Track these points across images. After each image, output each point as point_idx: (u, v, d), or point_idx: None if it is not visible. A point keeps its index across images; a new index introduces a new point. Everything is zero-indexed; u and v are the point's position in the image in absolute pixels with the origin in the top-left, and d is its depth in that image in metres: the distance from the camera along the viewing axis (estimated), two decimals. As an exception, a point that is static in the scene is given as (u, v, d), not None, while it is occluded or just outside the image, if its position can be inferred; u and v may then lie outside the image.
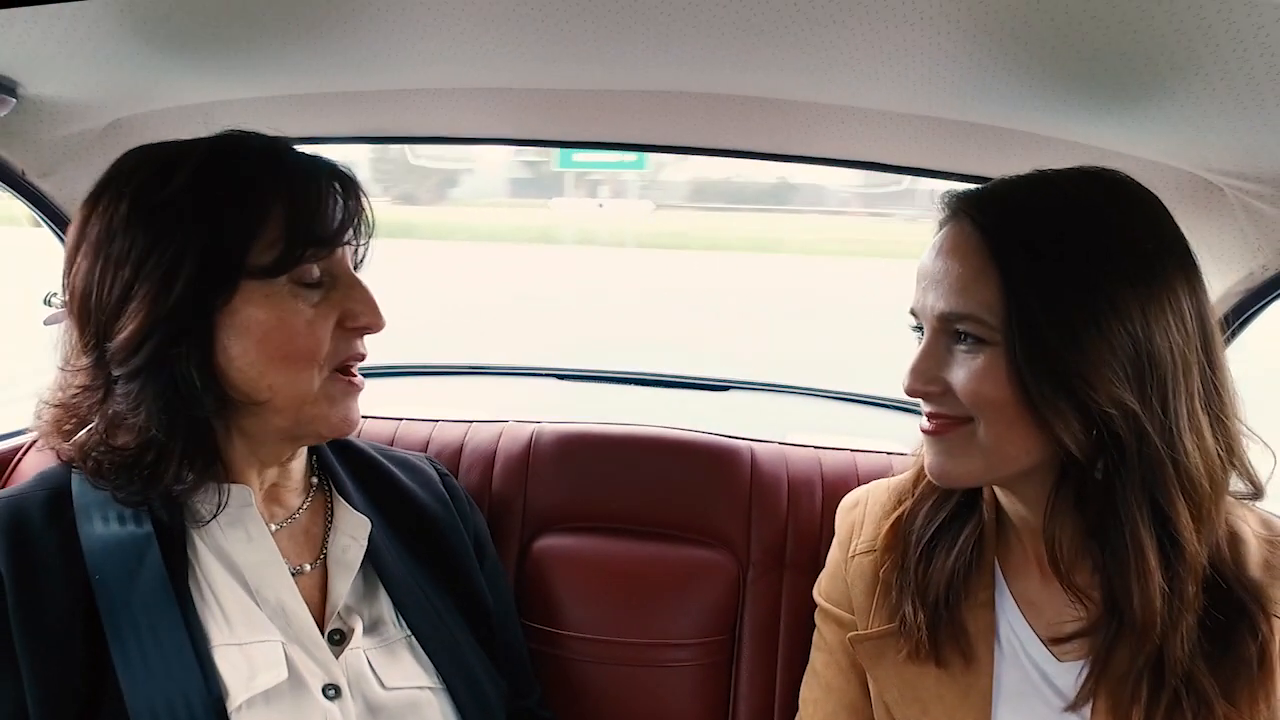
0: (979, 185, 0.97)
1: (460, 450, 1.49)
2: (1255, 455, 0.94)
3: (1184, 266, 0.89)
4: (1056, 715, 0.97)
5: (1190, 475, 0.87)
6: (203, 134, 0.95)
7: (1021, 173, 0.95)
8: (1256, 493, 0.95)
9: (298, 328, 0.91)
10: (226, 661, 0.89)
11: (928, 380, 0.93)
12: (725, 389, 2.06)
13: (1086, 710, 0.95)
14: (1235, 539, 0.94)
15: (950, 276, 0.92)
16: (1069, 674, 0.97)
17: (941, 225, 0.97)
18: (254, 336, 0.90)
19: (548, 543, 1.43)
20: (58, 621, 0.85)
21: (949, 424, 0.94)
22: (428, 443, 1.50)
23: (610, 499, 1.46)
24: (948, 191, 0.97)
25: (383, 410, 1.59)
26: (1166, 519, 0.88)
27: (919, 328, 0.97)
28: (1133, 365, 0.86)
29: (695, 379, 2.11)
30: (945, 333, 0.93)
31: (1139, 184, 0.92)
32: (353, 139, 1.51)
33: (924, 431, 0.97)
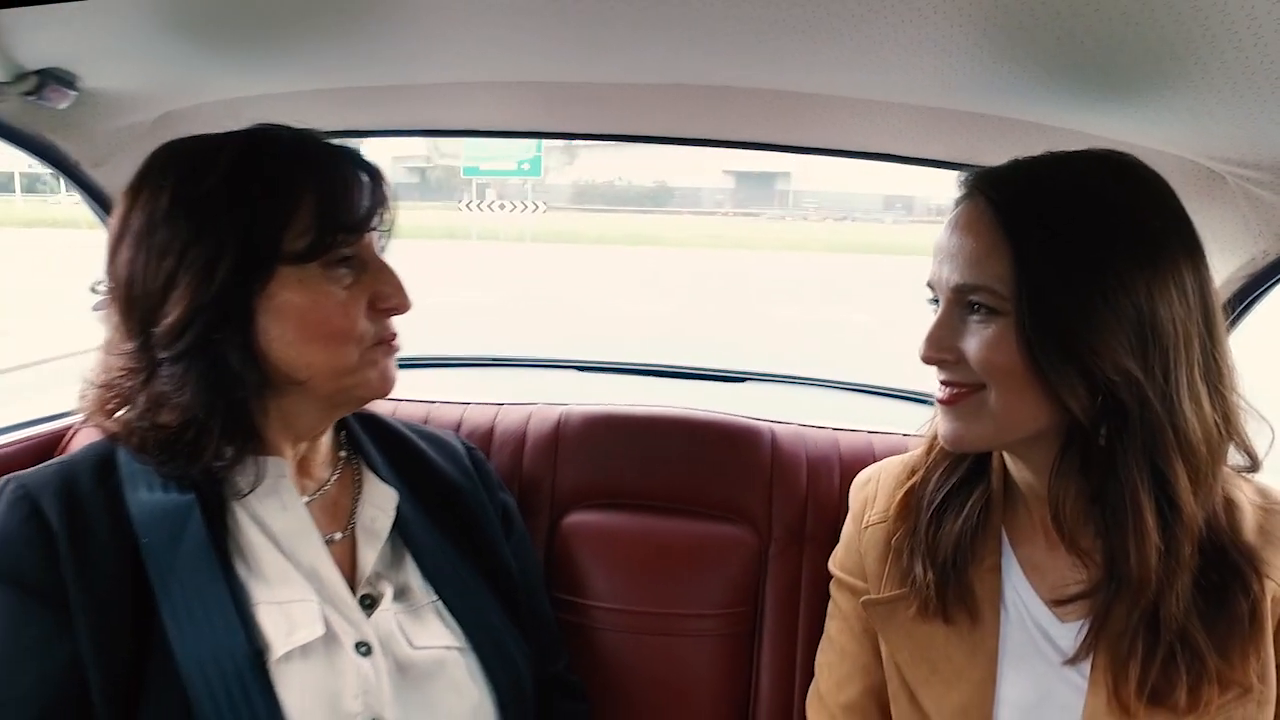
0: (990, 167, 1.01)
1: (491, 432, 1.55)
2: (1254, 432, 0.98)
3: (1187, 244, 0.94)
4: (1056, 671, 1.01)
5: (1189, 441, 0.92)
6: (252, 125, 1.01)
7: None
8: (1253, 465, 0.99)
9: (332, 309, 0.97)
10: (266, 618, 0.94)
11: (942, 349, 0.98)
12: (741, 380, 2.11)
13: (1086, 666, 0.99)
14: (1232, 506, 0.98)
15: (965, 250, 0.97)
16: (1070, 633, 1.01)
17: (958, 203, 1.02)
18: (291, 319, 0.96)
19: (576, 519, 1.49)
20: (108, 579, 0.91)
21: (962, 393, 0.98)
22: (459, 425, 1.56)
23: (636, 477, 1.52)
24: (966, 170, 1.02)
25: (414, 395, 1.65)
26: (1165, 482, 0.92)
27: (935, 300, 1.02)
28: (1137, 335, 0.90)
29: (712, 371, 2.17)
30: (959, 304, 0.98)
31: (1146, 165, 0.97)
32: (387, 132, 1.57)
33: (939, 401, 1.02)
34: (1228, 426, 0.96)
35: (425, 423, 1.52)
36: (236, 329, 0.95)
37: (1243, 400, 0.97)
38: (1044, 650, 1.03)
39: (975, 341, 0.96)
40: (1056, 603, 1.02)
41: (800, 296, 14.42)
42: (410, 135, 1.60)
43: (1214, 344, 0.95)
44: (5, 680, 0.88)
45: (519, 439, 1.54)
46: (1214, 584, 0.95)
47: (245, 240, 0.93)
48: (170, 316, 0.93)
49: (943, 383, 1.01)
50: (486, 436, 1.54)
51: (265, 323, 0.96)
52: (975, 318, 0.96)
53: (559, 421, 1.55)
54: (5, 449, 1.42)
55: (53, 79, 1.13)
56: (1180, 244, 0.93)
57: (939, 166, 1.51)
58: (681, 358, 2.29)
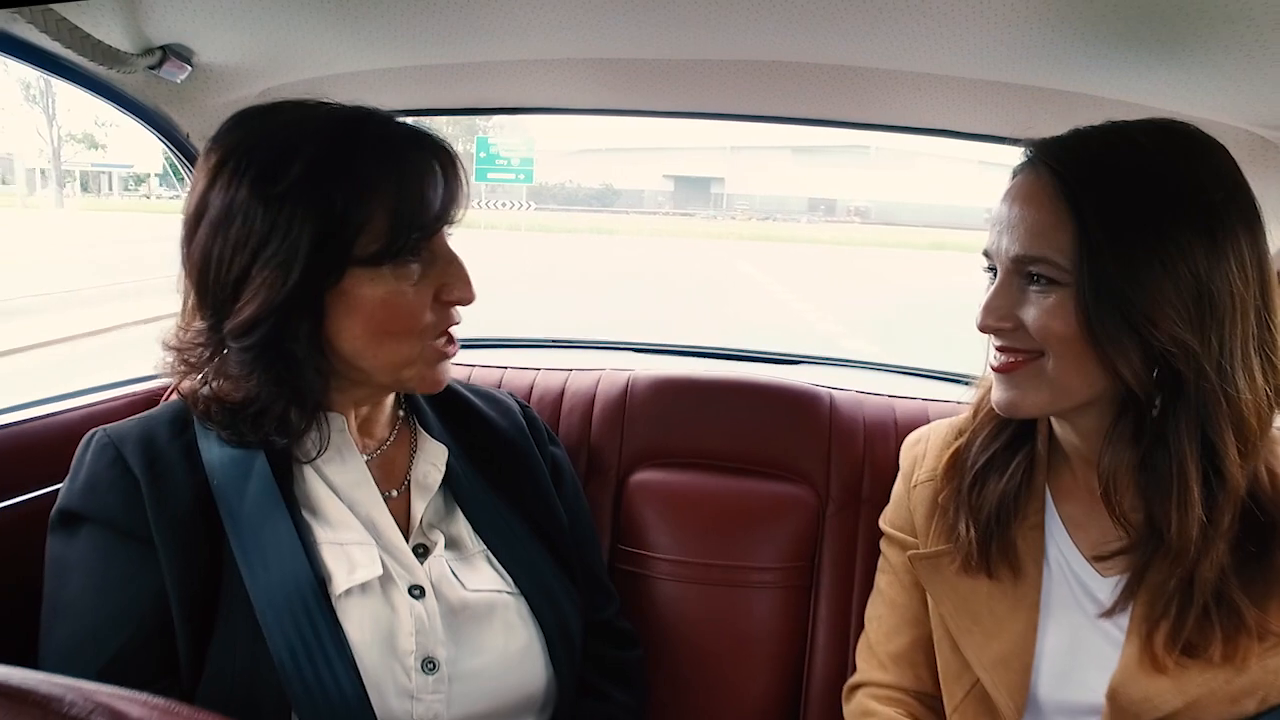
0: (1052, 137, 1.02)
1: (561, 395, 1.62)
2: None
3: (1246, 216, 0.95)
4: (1094, 624, 1.04)
5: (1241, 412, 0.93)
6: (343, 102, 1.04)
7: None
8: None
9: (400, 305, 1.01)
10: (329, 556, 1.01)
11: (1000, 317, 1.00)
12: (796, 363, 2.16)
13: (1123, 620, 1.02)
14: (1271, 463, 1.00)
15: (1026, 221, 0.98)
16: (1109, 587, 1.04)
17: (1016, 172, 1.04)
18: (361, 315, 1.00)
19: (643, 477, 1.56)
20: (185, 517, 0.99)
21: (1020, 361, 1.01)
22: (531, 387, 1.63)
23: (700, 437, 1.58)
24: (1027, 139, 1.04)
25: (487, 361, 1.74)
26: (1215, 452, 0.94)
27: (991, 268, 1.04)
28: (1195, 306, 0.92)
29: (768, 354, 2.23)
30: (1018, 274, 1.00)
31: (1207, 135, 0.98)
32: (467, 110, 1.65)
33: (995, 370, 1.04)
34: (1278, 398, 0.97)
35: (500, 386, 1.60)
36: (306, 321, 0.99)
37: None
38: (1083, 604, 1.06)
39: (1034, 310, 0.98)
40: (1097, 558, 1.05)
41: (724, 272, 19.18)
42: (485, 113, 1.67)
43: (1270, 314, 0.96)
44: (97, 606, 0.96)
45: (588, 402, 1.61)
46: (1254, 544, 0.97)
47: (320, 240, 0.96)
48: (244, 314, 0.97)
49: (999, 349, 1.03)
50: (557, 400, 1.61)
51: (334, 317, 1.00)
52: (1035, 288, 0.98)
53: (627, 385, 1.62)
54: (110, 403, 1.52)
55: (173, 53, 1.23)
56: (1239, 214, 0.94)
57: (995, 141, 1.54)
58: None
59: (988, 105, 1.41)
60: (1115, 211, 0.93)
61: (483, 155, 25.92)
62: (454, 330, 1.08)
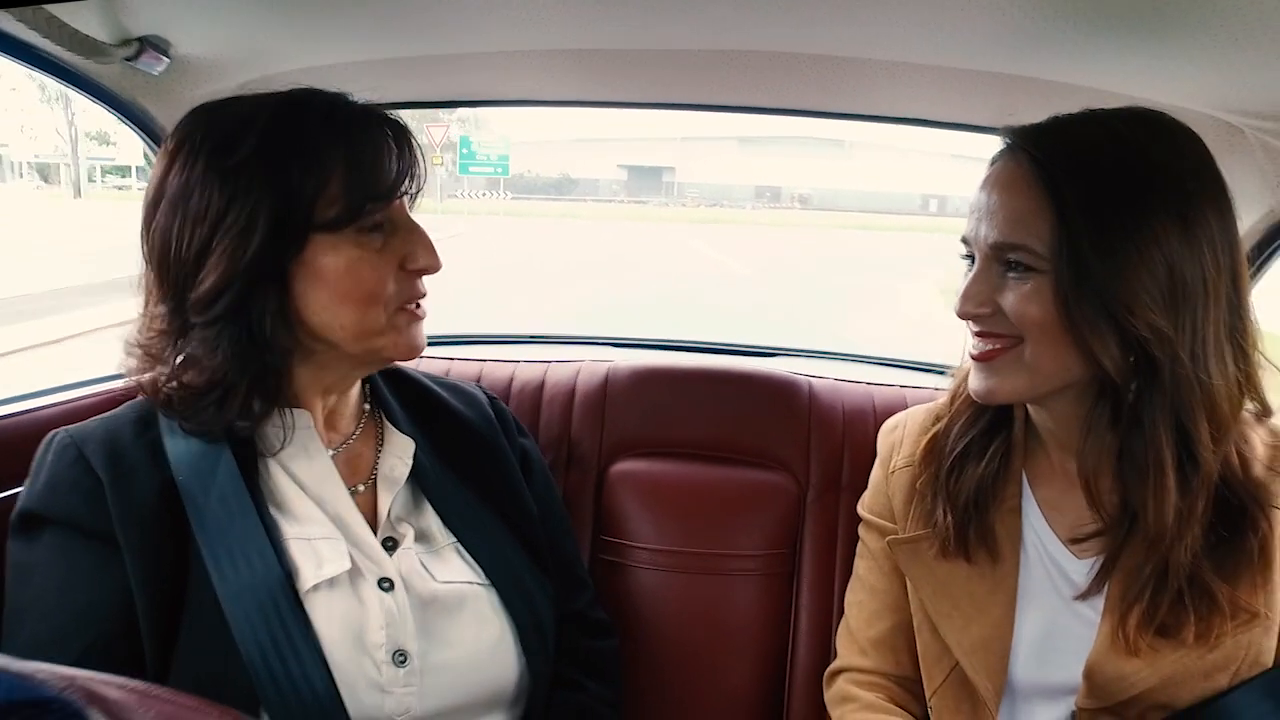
0: (1032, 124, 1.03)
1: (541, 388, 1.62)
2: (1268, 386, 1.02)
3: (1219, 204, 0.96)
4: (1070, 606, 1.06)
5: (1213, 398, 0.95)
6: None
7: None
8: (1265, 413, 1.03)
9: (364, 273, 1.01)
10: (296, 552, 1.01)
11: (979, 303, 1.01)
12: (775, 355, 2.17)
13: (1099, 602, 1.04)
14: (1243, 443, 1.02)
15: (1005, 208, 1.00)
16: (1085, 569, 1.06)
17: (995, 160, 1.05)
18: (326, 282, 1.00)
19: (624, 467, 1.56)
20: (149, 515, 0.98)
21: (998, 349, 1.02)
22: (510, 380, 1.63)
23: (681, 427, 1.59)
24: (1004, 125, 1.05)
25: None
26: (1189, 438, 0.96)
27: (969, 256, 1.06)
28: (1169, 293, 0.93)
29: (744, 347, 2.22)
30: (997, 260, 1.01)
31: (1183, 124, 1.00)
32: (443, 103, 1.65)
33: (973, 358, 1.05)
34: (1248, 383, 0.99)
35: (478, 380, 1.60)
36: (272, 294, 0.99)
37: (1263, 357, 1.01)
38: (1060, 587, 1.08)
39: (1012, 297, 0.99)
40: (1074, 541, 1.07)
41: (680, 251, 21.96)
42: (451, 106, 1.67)
43: (1239, 302, 0.98)
44: (61, 608, 0.95)
45: (568, 394, 1.61)
46: (1225, 528, 0.99)
47: (278, 209, 0.97)
48: (206, 284, 0.97)
49: (978, 335, 1.04)
50: (536, 393, 1.62)
51: (299, 287, 1.00)
52: (1013, 274, 0.99)
53: (606, 376, 1.63)
54: (74, 403, 1.50)
55: (150, 45, 1.22)
56: (1211, 202, 0.96)
57: (971, 130, 1.56)
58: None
59: (962, 94, 1.42)
60: (1094, 199, 0.95)
61: (465, 152, 29.07)
62: (422, 302, 1.09)
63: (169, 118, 1.42)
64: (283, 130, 0.99)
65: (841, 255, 20.72)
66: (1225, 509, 0.99)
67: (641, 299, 12.43)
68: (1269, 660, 0.99)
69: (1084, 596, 1.05)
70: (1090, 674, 1.02)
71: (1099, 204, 0.94)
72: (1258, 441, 1.03)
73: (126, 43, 1.20)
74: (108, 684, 0.48)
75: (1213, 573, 0.98)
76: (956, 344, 1.10)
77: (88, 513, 0.97)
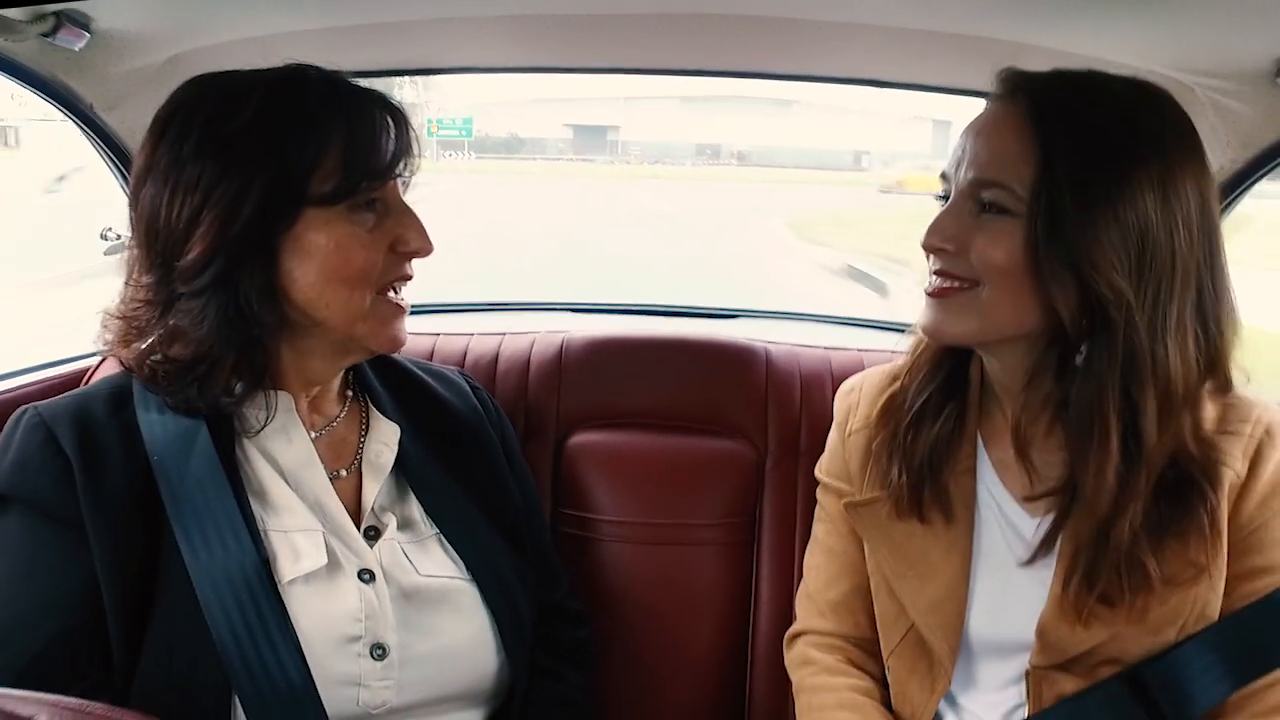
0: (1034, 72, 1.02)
1: (496, 359, 1.60)
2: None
3: (1201, 185, 0.96)
4: (1024, 569, 1.07)
5: (1166, 374, 0.95)
6: (258, 66, 1.02)
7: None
8: (1224, 387, 1.03)
9: (355, 251, 0.99)
10: (273, 544, 0.99)
11: (945, 238, 1.01)
12: (733, 317, 2.17)
13: (1051, 560, 1.05)
14: (1199, 426, 1.01)
15: (991, 148, 0.99)
16: (1038, 529, 1.07)
17: (992, 99, 1.04)
18: (315, 259, 0.98)
19: (581, 439, 1.55)
20: (120, 499, 0.96)
21: (954, 288, 1.01)
22: (465, 353, 1.61)
23: (638, 397, 1.58)
24: (1007, 69, 1.03)
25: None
26: (1135, 408, 0.96)
27: (945, 195, 1.05)
28: (1136, 257, 0.93)
29: (704, 309, 2.23)
30: (972, 198, 1.00)
31: (1175, 99, 1.00)
32: (390, 72, 1.61)
33: (928, 294, 1.04)
34: (1211, 367, 0.99)
35: (432, 354, 1.58)
36: (259, 267, 0.97)
37: (1236, 343, 1.01)
38: (1014, 546, 1.09)
39: (981, 236, 0.98)
40: (1028, 499, 1.08)
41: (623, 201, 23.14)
42: (397, 75, 1.65)
43: (1215, 284, 0.98)
44: (26, 594, 0.93)
45: (523, 365, 1.59)
46: (1171, 502, 0.99)
47: (272, 180, 0.95)
48: (193, 252, 0.95)
49: (936, 273, 1.03)
50: (491, 365, 1.59)
51: (288, 263, 0.98)
52: (986, 214, 0.99)
53: (561, 347, 1.61)
54: (30, 387, 1.47)
55: (68, 19, 1.16)
56: (1195, 182, 0.96)
57: (923, 90, 1.56)
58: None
59: (908, 53, 1.42)
60: (1082, 153, 0.94)
61: (430, 117, 32.10)
62: (405, 289, 1.08)
63: (95, 95, 1.37)
64: (281, 101, 0.98)
65: (762, 204, 21.66)
66: (1174, 485, 0.99)
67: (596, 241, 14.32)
68: (1214, 614, 1.01)
69: (1034, 558, 1.06)
70: (1043, 632, 1.04)
71: (1086, 158, 0.94)
72: (1209, 403, 1.03)
73: (41, 18, 1.14)
74: (39, 703, 0.46)
75: (1149, 549, 0.98)
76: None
77: (55, 496, 0.95)
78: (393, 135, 1.02)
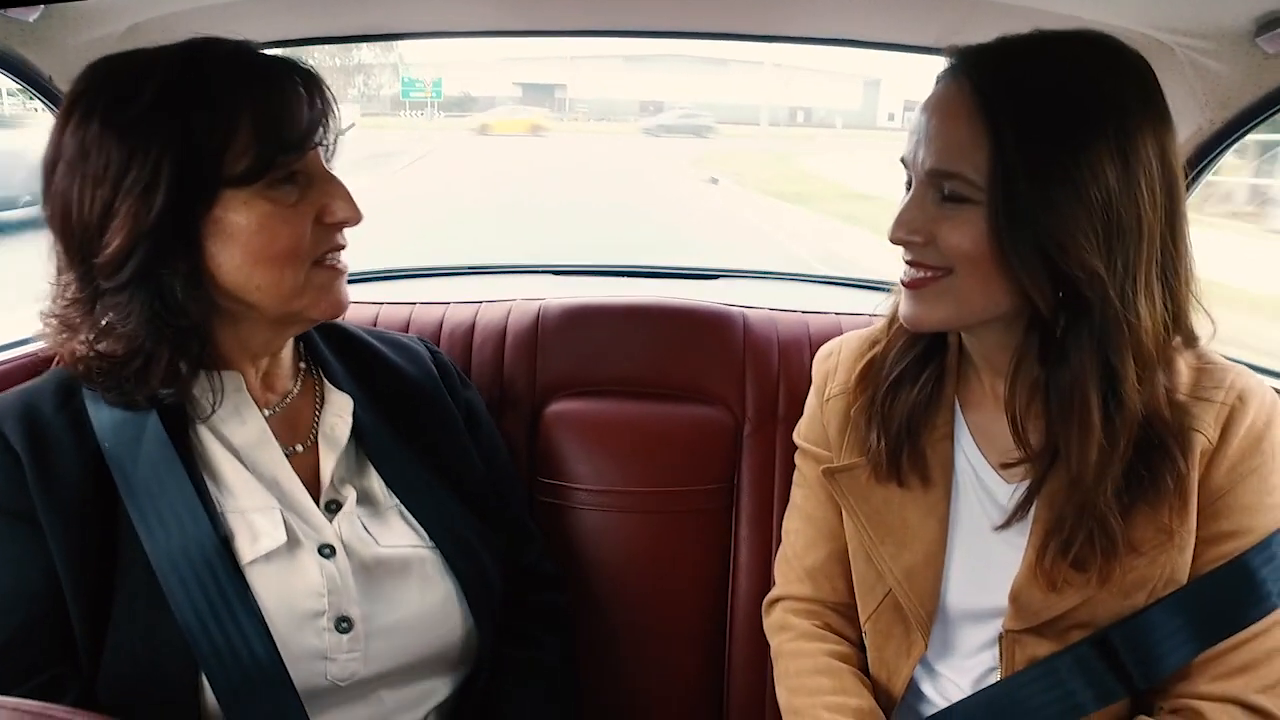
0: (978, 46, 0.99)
1: (472, 328, 1.59)
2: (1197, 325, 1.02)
3: (1161, 140, 0.93)
4: (1000, 534, 1.08)
5: (1140, 337, 0.94)
6: (217, 34, 0.98)
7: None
8: (1189, 341, 1.03)
9: (279, 229, 0.96)
10: (231, 525, 0.99)
11: (911, 230, 0.99)
12: (712, 278, 2.16)
13: (1026, 526, 1.06)
14: (1170, 369, 1.02)
15: (943, 134, 0.97)
16: (1012, 494, 1.07)
17: (939, 80, 1.01)
18: (239, 241, 0.95)
19: (558, 407, 1.55)
20: (72, 489, 0.95)
21: (927, 278, 1.00)
22: (441, 324, 1.59)
23: (614, 364, 1.58)
24: (951, 45, 1.00)
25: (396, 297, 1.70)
26: (1115, 376, 0.95)
27: (908, 179, 1.03)
28: (1103, 230, 0.91)
29: (687, 270, 2.23)
30: (933, 187, 0.98)
31: (1133, 51, 0.96)
32: (349, 38, 1.59)
33: (904, 284, 1.03)
34: (1175, 322, 0.99)
35: (407, 324, 1.56)
36: (181, 256, 0.94)
37: (1195, 298, 1.00)
38: (990, 512, 1.09)
39: (946, 226, 0.97)
40: (1004, 466, 1.08)
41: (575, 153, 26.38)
42: (354, 41, 1.62)
43: (1174, 239, 0.96)
44: None
45: (499, 334, 1.58)
46: (1145, 466, 0.99)
47: (182, 164, 0.91)
48: (110, 246, 0.92)
49: (909, 263, 1.02)
50: (468, 335, 1.58)
51: (211, 247, 0.95)
52: (948, 203, 0.97)
53: (538, 315, 1.60)
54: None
55: (17, -9, 1.13)
56: (1154, 138, 0.93)
57: (913, 50, 1.53)
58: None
59: (884, 12, 1.39)
60: (1034, 132, 0.92)
61: (405, 80, 36.21)
62: (341, 255, 1.04)
63: (53, 67, 1.33)
64: (183, 79, 0.93)
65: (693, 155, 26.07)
66: (1146, 448, 0.99)
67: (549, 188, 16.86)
68: (1183, 578, 1.02)
69: (1008, 523, 1.06)
70: (1016, 597, 1.05)
71: (1038, 137, 0.92)
72: (1183, 367, 1.03)
73: (-11, -9, 1.11)
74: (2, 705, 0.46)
75: (1122, 515, 0.99)
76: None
77: (8, 493, 0.94)
78: (306, 103, 0.98)
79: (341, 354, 1.19)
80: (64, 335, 0.99)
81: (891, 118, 50.53)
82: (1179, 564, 1.01)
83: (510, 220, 12.16)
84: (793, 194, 16.77)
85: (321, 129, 1.00)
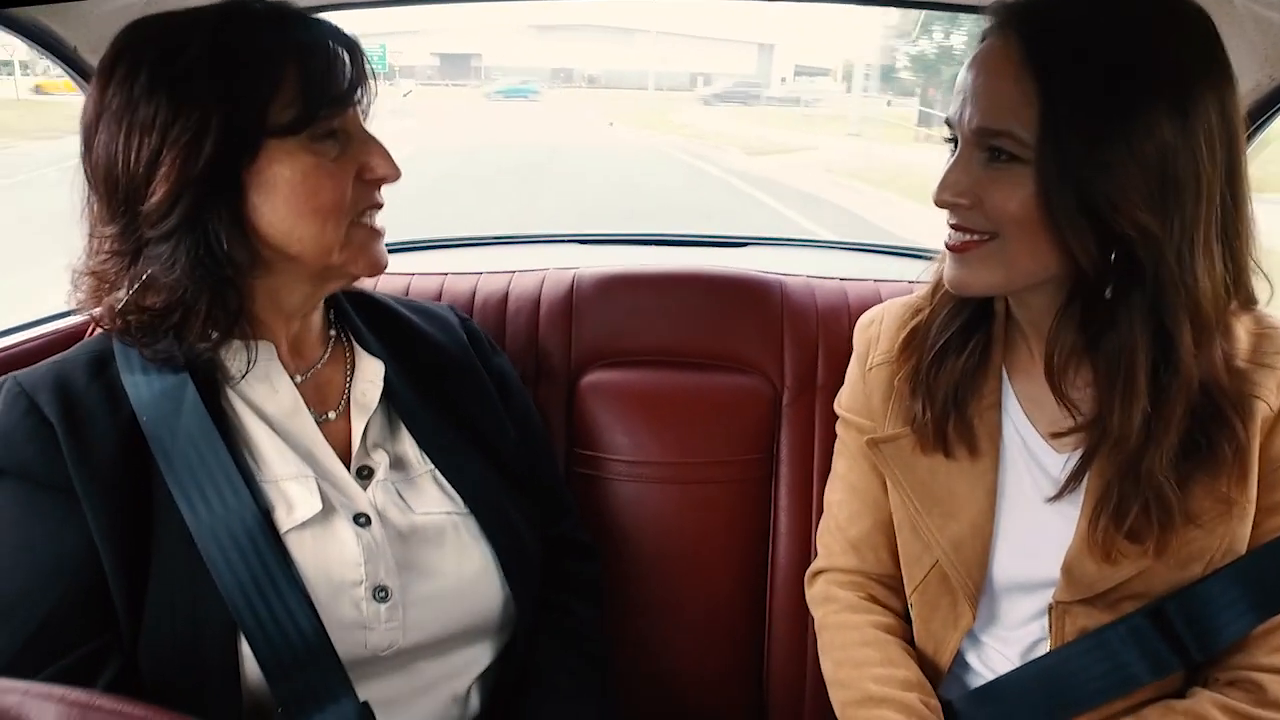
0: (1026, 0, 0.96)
1: (505, 299, 1.57)
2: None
3: (1221, 94, 0.90)
4: (1051, 504, 1.05)
5: (1198, 300, 0.91)
6: None
7: None
8: (1249, 302, 1.00)
9: (322, 182, 0.98)
10: (268, 494, 0.99)
11: (958, 193, 0.97)
12: (744, 245, 2.14)
13: (1078, 497, 1.04)
14: (1228, 335, 0.99)
15: (989, 91, 0.94)
16: (1065, 464, 1.05)
17: (984, 36, 0.98)
18: (282, 193, 0.97)
19: (594, 378, 1.53)
20: (108, 460, 0.95)
21: (972, 242, 0.98)
22: (474, 294, 1.58)
23: (650, 334, 1.56)
24: (996, 2, 0.97)
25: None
26: (1171, 342, 0.92)
27: (952, 139, 1.00)
28: (1159, 190, 0.88)
29: (715, 237, 2.20)
30: (979, 147, 0.95)
31: (1191, 2, 0.93)
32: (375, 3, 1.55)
33: (948, 248, 1.01)
34: (1236, 286, 0.96)
35: (440, 295, 1.55)
36: (226, 205, 0.96)
37: (1254, 262, 0.97)
38: (1040, 482, 1.07)
39: (993, 188, 0.94)
40: (1054, 435, 1.05)
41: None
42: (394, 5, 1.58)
43: (1235, 200, 0.93)
44: (24, 565, 0.93)
45: (534, 304, 1.56)
46: (1203, 435, 0.97)
47: (230, 114, 0.93)
48: (157, 194, 0.93)
49: (954, 227, 1.00)
50: (501, 305, 1.57)
51: (255, 198, 0.97)
52: (995, 163, 0.94)
53: (573, 284, 1.58)
54: (27, 344, 1.45)
55: (43, -39, 1.12)
56: (1214, 92, 0.90)
57: (959, 9, 1.48)
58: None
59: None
60: (1085, 86, 0.89)
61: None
62: (378, 216, 1.07)
63: (79, 37, 1.31)
64: (231, 34, 0.95)
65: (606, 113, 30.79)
66: (1204, 416, 0.96)
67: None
68: (1243, 548, 1.00)
69: (1060, 494, 1.04)
70: (1069, 569, 1.03)
71: (1090, 91, 0.89)
72: (1242, 333, 1.01)
73: (16, -37, 1.09)
74: (48, 696, 0.45)
75: (1179, 485, 0.97)
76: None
77: (44, 464, 0.94)
78: (347, 63, 1.00)
79: (372, 322, 1.19)
80: (101, 291, 1.00)
81: (784, 81, 53.89)
82: (1238, 534, 0.99)
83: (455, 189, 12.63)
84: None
85: (360, 90, 1.02)
